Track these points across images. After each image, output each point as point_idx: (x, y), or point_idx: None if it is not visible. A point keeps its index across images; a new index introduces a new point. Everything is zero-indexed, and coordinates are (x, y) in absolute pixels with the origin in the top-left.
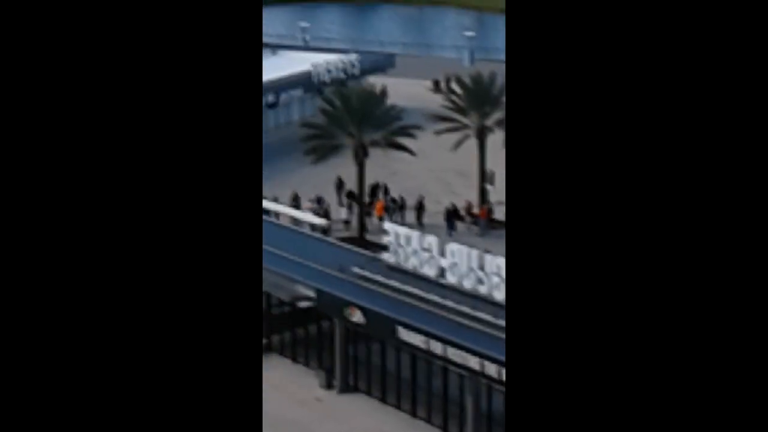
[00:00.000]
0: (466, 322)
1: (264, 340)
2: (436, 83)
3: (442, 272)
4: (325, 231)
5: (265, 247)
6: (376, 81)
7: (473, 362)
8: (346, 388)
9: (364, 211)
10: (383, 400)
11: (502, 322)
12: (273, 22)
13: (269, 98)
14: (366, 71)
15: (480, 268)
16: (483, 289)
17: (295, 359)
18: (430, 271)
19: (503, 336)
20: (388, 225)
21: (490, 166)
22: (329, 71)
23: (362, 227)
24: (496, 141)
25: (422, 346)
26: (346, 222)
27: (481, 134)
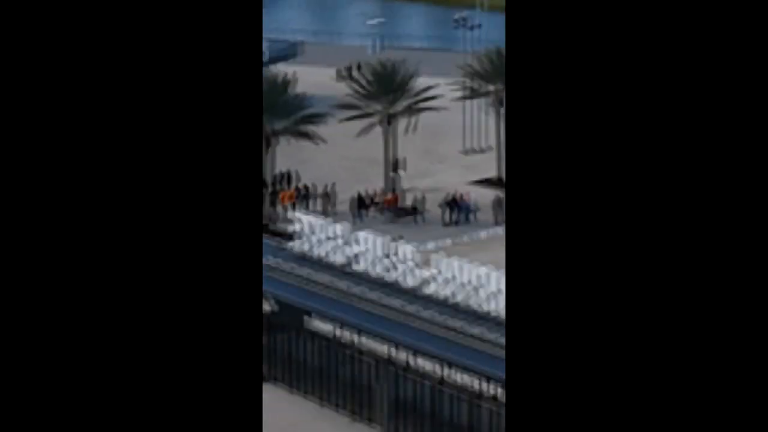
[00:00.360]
0: (375, 309)
1: None
2: (343, 71)
3: (351, 260)
4: None
5: None
6: (281, 69)
7: (383, 350)
8: None
9: (272, 200)
10: (293, 389)
11: (413, 309)
12: None
13: None
14: (271, 59)
15: (389, 256)
16: (392, 276)
17: None
18: (339, 259)
19: (412, 323)
20: (296, 213)
21: (398, 152)
22: None
23: (270, 216)
24: (403, 128)
25: (332, 334)
26: None
27: (388, 121)
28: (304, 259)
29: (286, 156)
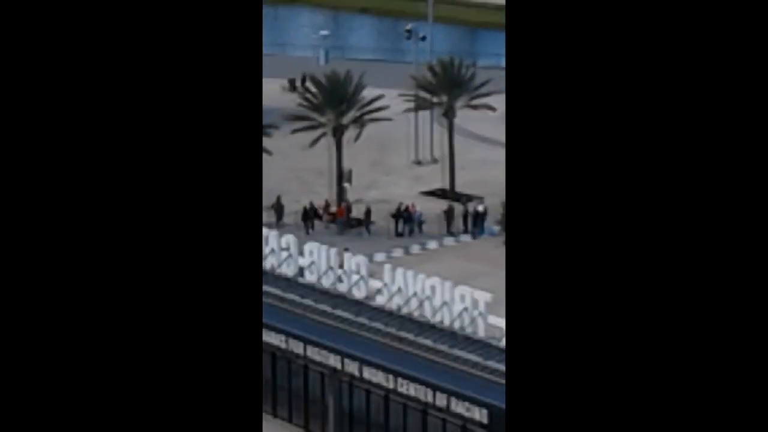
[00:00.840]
0: (325, 320)
1: None
2: (292, 82)
3: (300, 271)
4: None
5: None
6: None
7: (333, 360)
8: None
9: None
10: None
11: (362, 320)
12: None
13: None
14: None
15: (339, 267)
16: (342, 288)
17: None
18: (288, 271)
19: (362, 333)
20: None
21: (346, 164)
22: None
23: None
24: (352, 139)
25: (282, 345)
26: None
27: (338, 133)
28: None
29: None
